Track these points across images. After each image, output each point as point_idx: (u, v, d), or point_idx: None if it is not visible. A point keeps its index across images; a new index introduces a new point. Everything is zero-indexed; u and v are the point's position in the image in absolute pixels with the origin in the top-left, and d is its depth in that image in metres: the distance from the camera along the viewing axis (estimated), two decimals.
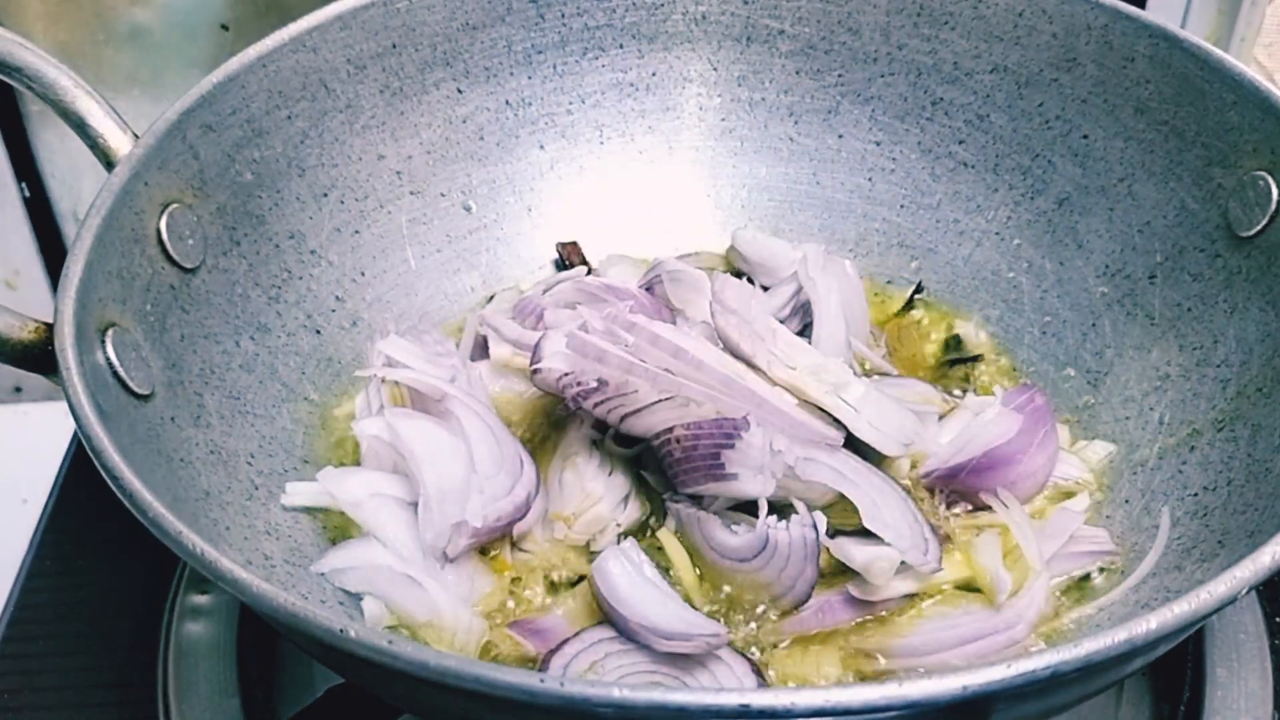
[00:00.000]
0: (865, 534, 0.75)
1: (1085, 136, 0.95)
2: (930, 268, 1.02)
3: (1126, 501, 0.84)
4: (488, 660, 0.75)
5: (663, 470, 0.79)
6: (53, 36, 1.21)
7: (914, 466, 0.84)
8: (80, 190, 1.31)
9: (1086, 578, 0.80)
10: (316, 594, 0.77)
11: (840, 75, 1.03)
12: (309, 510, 0.83)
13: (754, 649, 0.76)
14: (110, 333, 0.74)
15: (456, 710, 0.61)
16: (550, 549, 0.81)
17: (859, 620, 0.77)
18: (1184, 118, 0.88)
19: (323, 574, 0.78)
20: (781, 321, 0.89)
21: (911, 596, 0.77)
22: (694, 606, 0.76)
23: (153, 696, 0.85)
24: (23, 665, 0.91)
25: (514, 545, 0.81)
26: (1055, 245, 0.97)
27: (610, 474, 0.82)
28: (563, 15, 1.02)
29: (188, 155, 0.84)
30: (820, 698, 0.52)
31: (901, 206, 1.04)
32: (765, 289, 0.96)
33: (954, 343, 0.98)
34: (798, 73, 1.04)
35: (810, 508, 0.76)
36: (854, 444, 0.80)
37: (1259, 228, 0.83)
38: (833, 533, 0.76)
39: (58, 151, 1.28)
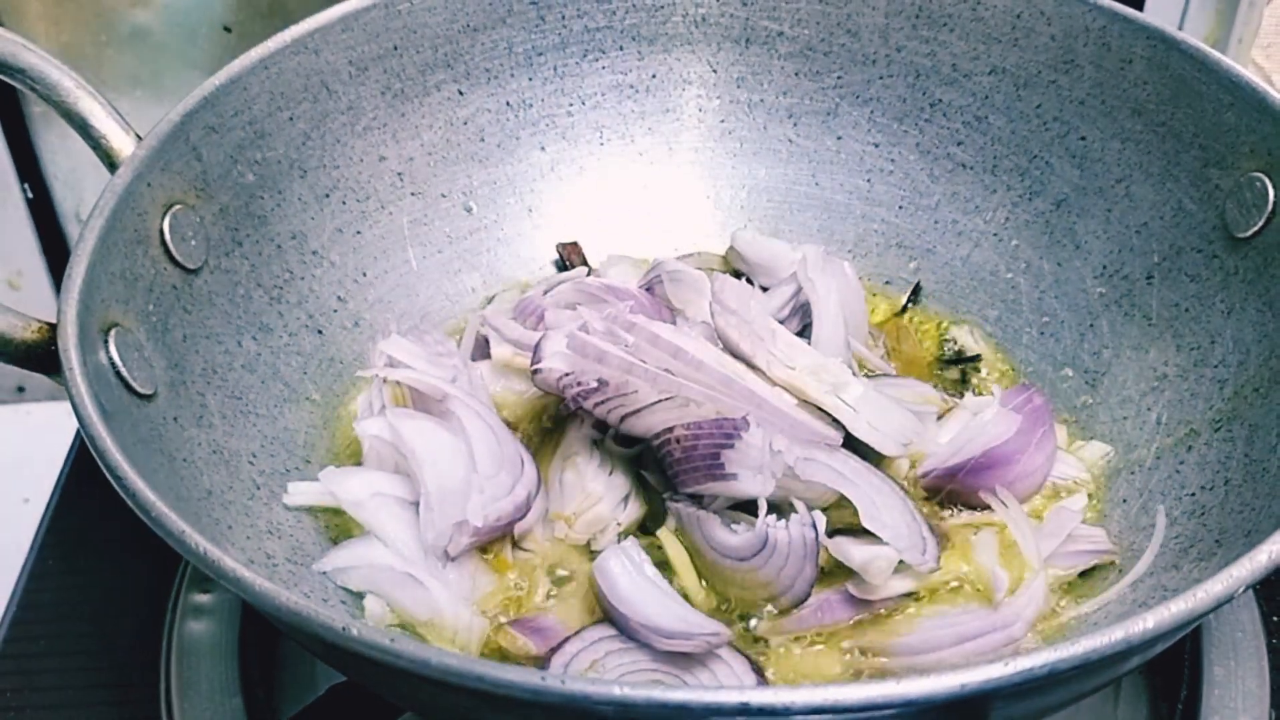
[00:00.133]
0: (864, 533, 0.76)
1: (1083, 138, 0.95)
2: (929, 268, 1.03)
3: (1124, 501, 0.84)
4: (489, 659, 0.76)
5: (663, 470, 0.80)
6: (55, 38, 1.21)
7: (913, 466, 0.84)
8: (83, 191, 1.31)
9: (1084, 576, 0.80)
10: (318, 593, 0.77)
11: (839, 77, 1.04)
12: (311, 509, 0.83)
13: (754, 648, 0.76)
14: (113, 333, 0.74)
15: (458, 708, 0.62)
16: (551, 548, 0.81)
17: (858, 619, 0.77)
18: (1181, 119, 0.88)
19: (324, 573, 0.78)
20: (781, 322, 0.89)
21: (910, 595, 0.77)
22: (694, 605, 0.76)
23: (155, 695, 0.85)
24: (24, 665, 0.91)
25: (515, 544, 0.81)
26: (1053, 246, 0.97)
27: (610, 474, 0.83)
28: (563, 17, 1.02)
29: (190, 156, 0.85)
30: (819, 696, 0.52)
31: (900, 207, 1.04)
32: (765, 290, 0.97)
33: (952, 343, 0.98)
34: (797, 74, 1.04)
35: (810, 507, 0.76)
36: (853, 444, 0.81)
37: (1256, 229, 0.83)
38: (831, 532, 0.77)
39: (60, 152, 1.29)
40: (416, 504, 0.79)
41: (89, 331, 0.72)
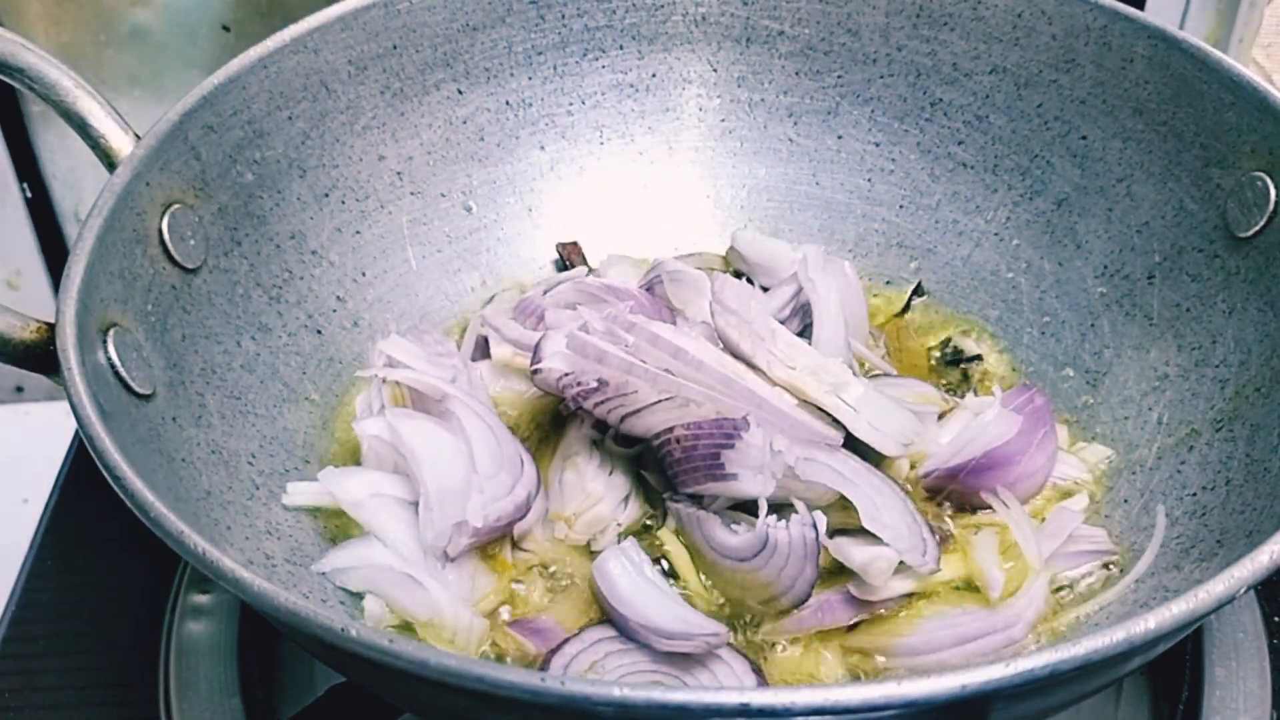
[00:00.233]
0: (864, 534, 0.76)
1: (1084, 137, 0.95)
2: (929, 268, 1.03)
3: (1125, 501, 0.84)
4: (488, 659, 0.76)
5: (663, 470, 0.80)
6: (54, 37, 1.21)
7: (913, 467, 0.84)
8: (82, 191, 1.31)
9: (1085, 577, 0.80)
10: (317, 593, 0.77)
11: (840, 76, 1.03)
12: (310, 510, 0.83)
13: (754, 648, 0.76)
14: (112, 333, 0.74)
15: (457, 709, 0.62)
16: (551, 549, 0.81)
17: (858, 619, 0.77)
18: (1182, 118, 0.88)
19: (324, 573, 0.78)
20: (781, 322, 0.89)
21: (911, 596, 0.77)
22: (694, 606, 0.76)
23: (154, 696, 0.85)
24: (23, 665, 0.91)
25: (515, 545, 0.81)
26: (1054, 246, 0.97)
27: (610, 474, 0.83)
28: (563, 16, 1.02)
29: (189, 156, 0.85)
30: (820, 696, 0.52)
31: (901, 207, 1.04)
32: (765, 290, 0.97)
33: (953, 343, 0.98)
34: (797, 74, 1.04)
35: (810, 507, 0.76)
36: (854, 444, 0.80)
37: (1257, 228, 0.83)
38: (832, 533, 0.77)
39: (59, 152, 1.29)
40: (416, 504, 0.79)
41: (87, 331, 0.72)
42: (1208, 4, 1.21)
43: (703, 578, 0.79)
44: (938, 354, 0.98)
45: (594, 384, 0.78)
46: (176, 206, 0.83)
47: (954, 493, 0.83)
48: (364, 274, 0.97)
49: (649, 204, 1.07)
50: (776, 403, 0.80)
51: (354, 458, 0.87)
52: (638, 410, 0.78)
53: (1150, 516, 0.81)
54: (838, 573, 0.77)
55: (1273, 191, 0.82)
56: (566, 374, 0.79)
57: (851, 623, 0.77)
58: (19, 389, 1.38)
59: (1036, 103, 0.97)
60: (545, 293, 0.95)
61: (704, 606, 0.78)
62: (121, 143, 0.82)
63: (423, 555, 0.78)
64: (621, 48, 1.05)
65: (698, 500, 0.79)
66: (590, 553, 0.81)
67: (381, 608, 0.78)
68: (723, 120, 1.07)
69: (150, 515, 0.62)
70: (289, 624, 0.58)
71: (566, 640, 0.74)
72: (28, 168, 1.28)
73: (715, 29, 1.04)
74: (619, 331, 0.81)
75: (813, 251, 0.93)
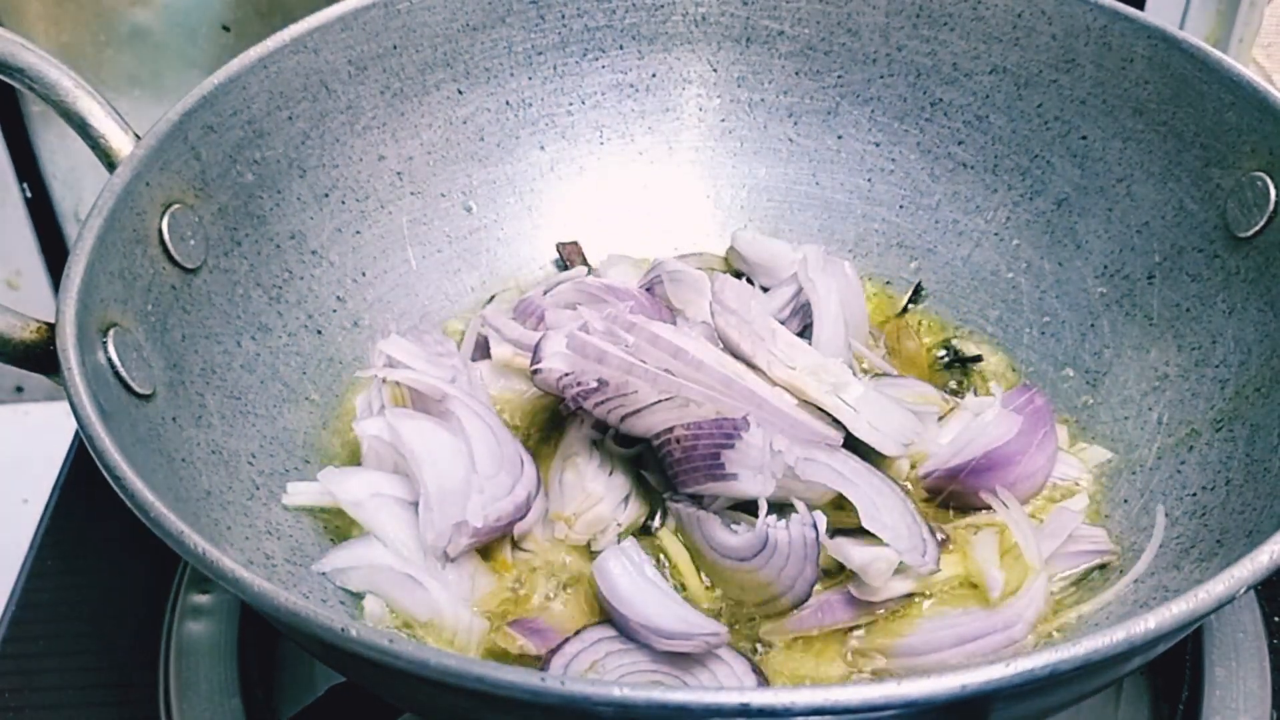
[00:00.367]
0: (864, 534, 0.76)
1: (1084, 137, 0.95)
2: (929, 268, 1.03)
3: (1125, 501, 0.84)
4: (488, 660, 0.76)
5: (663, 470, 0.80)
6: (54, 37, 1.21)
7: (913, 467, 0.84)
8: (82, 191, 1.31)
9: (1085, 577, 0.80)
10: (317, 593, 0.77)
11: (840, 76, 1.03)
12: (310, 510, 0.83)
13: (754, 648, 0.76)
14: (112, 333, 0.74)
15: (457, 709, 0.62)
16: (551, 549, 0.81)
17: (858, 620, 0.77)
18: (1182, 118, 0.88)
19: (324, 573, 0.78)
20: (781, 322, 0.89)
21: (911, 596, 0.77)
22: (694, 606, 0.76)
23: (153, 696, 0.85)
24: (23, 665, 0.91)
25: (515, 545, 0.81)
26: (1054, 246, 0.97)
27: (610, 474, 0.83)
28: (563, 16, 1.02)
29: (189, 156, 0.85)
30: (820, 696, 0.52)
31: (901, 207, 1.04)
32: (765, 290, 0.97)
33: (953, 343, 0.98)
34: (797, 74, 1.04)
35: (810, 507, 0.76)
36: (854, 444, 0.80)
37: (1257, 228, 0.83)
38: (832, 533, 0.77)
39: (59, 152, 1.29)
40: (416, 504, 0.79)
41: (87, 331, 0.72)
42: (1208, 4, 1.21)
43: (703, 577, 0.79)
44: (938, 354, 0.98)
45: (594, 384, 0.78)
46: (176, 206, 0.83)
47: (954, 493, 0.83)
48: (364, 274, 0.97)
49: (649, 204, 1.07)
50: (776, 403, 0.80)
51: (354, 458, 0.87)
52: (638, 410, 0.78)
53: (1150, 516, 0.81)
54: (838, 573, 0.77)
55: (1273, 191, 0.82)
56: (566, 374, 0.79)
57: (851, 623, 0.77)
58: (19, 389, 1.38)
59: (1036, 103, 0.97)
60: (545, 293, 0.95)
61: (704, 606, 0.78)
62: (121, 143, 0.82)
63: (423, 555, 0.78)
64: (621, 48, 1.05)
65: (698, 500, 0.79)
66: (590, 553, 0.81)
67: (381, 608, 0.78)
68: (723, 120, 1.07)
69: (150, 515, 0.62)
70: (289, 624, 0.58)
71: (566, 640, 0.74)
72: (28, 168, 1.28)
73: (715, 29, 1.04)
74: (619, 331, 0.81)
75: (813, 251, 0.93)
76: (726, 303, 0.86)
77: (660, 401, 0.78)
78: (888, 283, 1.04)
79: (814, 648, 0.76)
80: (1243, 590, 0.58)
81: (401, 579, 0.77)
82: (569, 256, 1.04)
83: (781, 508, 0.76)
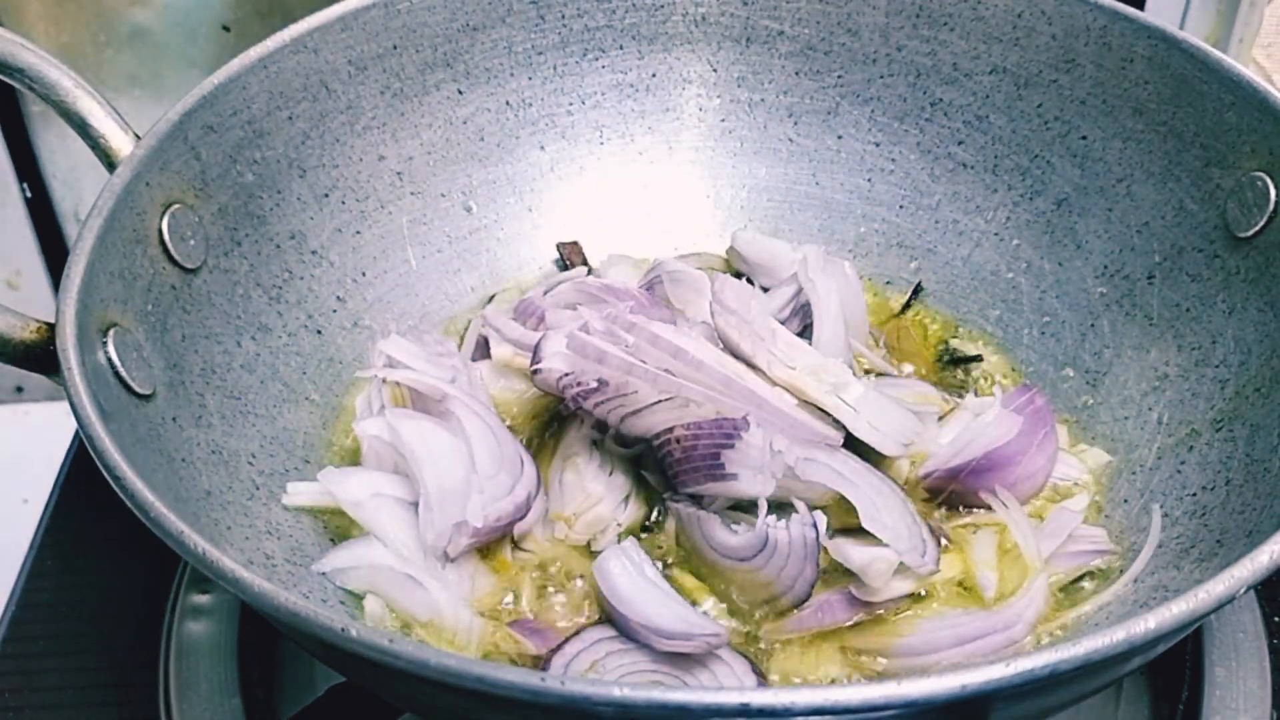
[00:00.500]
0: (864, 534, 0.76)
1: (1084, 137, 0.95)
2: (929, 268, 1.03)
3: (1125, 501, 0.84)
4: (488, 659, 0.76)
5: (663, 470, 0.80)
6: (54, 37, 1.21)
7: (914, 467, 0.84)
8: (82, 191, 1.31)
9: (1085, 577, 0.80)
10: (318, 593, 0.77)
11: (840, 76, 1.03)
12: (310, 510, 0.83)
13: (754, 648, 0.76)
14: (112, 333, 0.74)
15: (457, 709, 0.62)
16: (551, 549, 0.81)
17: (858, 619, 0.77)
18: (1182, 118, 0.88)
19: (324, 573, 0.78)
20: (781, 322, 0.89)
21: (911, 596, 0.77)
22: (694, 606, 0.76)
23: (153, 696, 0.85)
24: (23, 665, 0.91)
25: (515, 545, 0.81)
26: (1054, 246, 0.97)
27: (610, 474, 0.82)
28: (563, 16, 1.02)
29: (189, 156, 0.85)
30: (820, 696, 0.52)
31: (901, 207, 1.04)
32: (765, 290, 0.96)
33: (953, 343, 0.98)
34: (797, 74, 1.04)
35: (810, 507, 0.76)
36: (854, 444, 0.80)
37: (1257, 228, 0.83)
38: (832, 533, 0.77)
39: (59, 152, 1.29)
40: (416, 504, 0.79)
41: (87, 331, 0.72)
42: (1208, 4, 1.21)
43: (702, 578, 0.79)
44: (938, 354, 0.98)
45: (594, 384, 0.78)
46: (176, 206, 0.83)
47: (954, 493, 0.83)
48: (364, 274, 0.97)
49: (649, 204, 1.07)
50: (776, 403, 0.80)
51: (354, 458, 0.87)
52: (638, 410, 0.78)
53: (1150, 517, 0.81)
54: (838, 573, 0.77)
55: (1273, 191, 0.82)
56: (566, 374, 0.79)
57: (851, 623, 0.77)
58: (19, 389, 1.38)
59: (1036, 103, 0.97)
60: (545, 293, 0.95)
61: (704, 606, 0.77)
62: (121, 143, 0.82)
63: (423, 555, 0.78)
64: (621, 48, 1.05)
65: (698, 500, 0.79)
66: (590, 553, 0.81)
67: (381, 608, 0.78)
68: (723, 120, 1.07)
69: (150, 515, 0.62)
70: (289, 624, 0.58)
71: (566, 640, 0.74)
72: (28, 168, 1.28)
73: (715, 29, 1.04)
74: (619, 331, 0.81)
75: (813, 251, 0.93)
76: (726, 303, 0.86)
77: (660, 401, 0.78)
78: (888, 283, 1.04)
79: (814, 648, 0.76)
80: (1243, 590, 0.58)
81: (401, 579, 0.77)
82: (569, 256, 1.05)
83: (781, 507, 0.76)
